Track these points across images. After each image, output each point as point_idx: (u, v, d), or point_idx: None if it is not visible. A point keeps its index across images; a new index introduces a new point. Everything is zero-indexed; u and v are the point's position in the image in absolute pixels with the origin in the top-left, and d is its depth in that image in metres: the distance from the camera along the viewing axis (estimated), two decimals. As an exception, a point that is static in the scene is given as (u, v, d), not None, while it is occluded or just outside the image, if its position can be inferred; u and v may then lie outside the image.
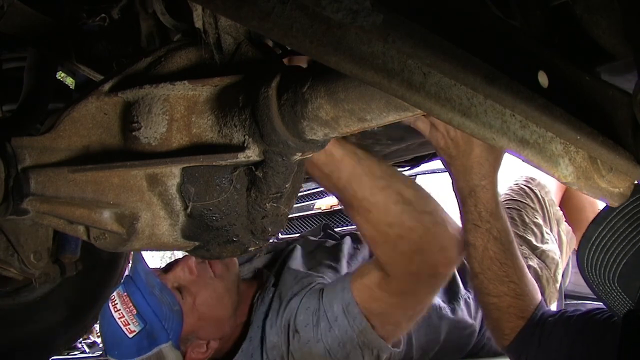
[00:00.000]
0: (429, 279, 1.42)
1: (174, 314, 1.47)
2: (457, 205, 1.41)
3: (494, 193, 1.35)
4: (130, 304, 1.46)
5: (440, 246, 1.37)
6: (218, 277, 1.58)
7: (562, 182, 0.71)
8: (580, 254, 1.03)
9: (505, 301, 1.37)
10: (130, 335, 1.44)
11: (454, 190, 1.41)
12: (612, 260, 1.00)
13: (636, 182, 0.78)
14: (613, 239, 0.99)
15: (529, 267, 2.01)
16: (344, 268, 1.76)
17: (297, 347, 1.51)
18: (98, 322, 1.57)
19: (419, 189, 1.38)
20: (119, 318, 1.46)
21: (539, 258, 2.03)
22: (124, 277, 1.57)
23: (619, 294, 1.03)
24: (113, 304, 1.48)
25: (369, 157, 1.32)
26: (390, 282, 1.40)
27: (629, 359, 0.95)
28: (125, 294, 1.48)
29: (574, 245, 2.28)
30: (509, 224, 1.38)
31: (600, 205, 2.45)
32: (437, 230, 1.36)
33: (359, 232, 1.71)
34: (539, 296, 1.41)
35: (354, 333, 1.46)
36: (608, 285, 1.02)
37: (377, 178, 1.30)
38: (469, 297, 1.88)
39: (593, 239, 1.00)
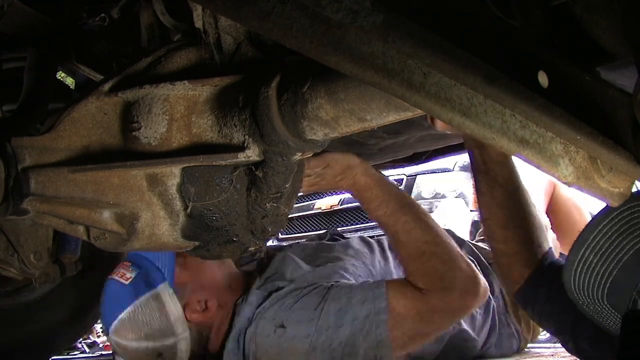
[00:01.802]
0: (460, 296, 1.49)
1: None
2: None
3: None
4: (125, 261, 1.56)
5: (467, 266, 1.51)
6: None
7: (562, 182, 0.71)
8: (565, 276, 1.04)
9: (511, 247, 1.39)
10: (127, 282, 1.51)
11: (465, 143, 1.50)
12: (598, 279, 1.00)
13: (633, 190, 0.78)
14: (597, 258, 0.99)
15: None
16: (351, 263, 1.76)
17: (277, 342, 1.50)
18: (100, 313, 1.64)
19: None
20: (116, 275, 1.54)
21: None
22: None
23: (610, 311, 1.03)
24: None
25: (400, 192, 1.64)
26: (425, 297, 1.48)
27: (629, 358, 0.95)
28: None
29: (558, 252, 2.29)
30: (517, 172, 1.41)
31: (587, 207, 2.44)
32: (461, 255, 1.53)
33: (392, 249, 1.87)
34: (546, 245, 1.42)
35: (367, 342, 1.47)
36: (598, 304, 1.03)
37: (415, 211, 1.56)
38: (476, 312, 1.88)
39: (577, 261, 1.01)
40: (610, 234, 0.98)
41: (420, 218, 1.54)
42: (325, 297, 1.52)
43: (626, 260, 0.98)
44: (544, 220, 2.20)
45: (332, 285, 1.57)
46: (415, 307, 1.49)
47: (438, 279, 1.48)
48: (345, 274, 1.69)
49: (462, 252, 1.54)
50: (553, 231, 2.22)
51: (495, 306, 1.92)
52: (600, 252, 0.98)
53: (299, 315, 1.51)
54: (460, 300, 1.49)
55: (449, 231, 2.20)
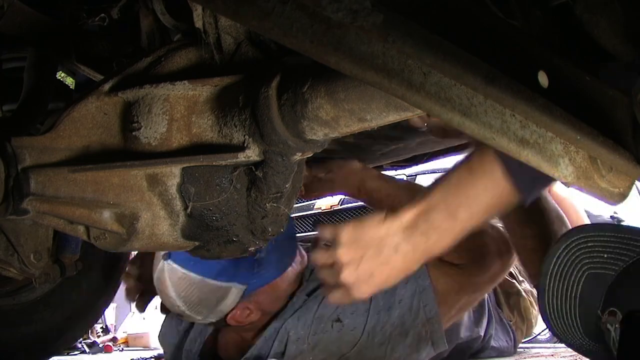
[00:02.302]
0: (496, 260, 1.51)
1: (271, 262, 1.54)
2: None
3: None
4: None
5: (493, 229, 1.51)
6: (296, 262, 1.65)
7: (562, 182, 0.71)
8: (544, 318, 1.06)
9: (529, 243, 1.41)
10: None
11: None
12: (570, 308, 1.03)
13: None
14: (563, 290, 1.03)
15: (526, 291, 2.06)
16: None
17: (337, 336, 1.53)
18: None
19: None
20: None
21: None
22: None
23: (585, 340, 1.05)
24: None
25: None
26: (463, 270, 1.50)
27: (629, 358, 0.95)
28: None
29: None
30: None
31: (582, 206, 2.45)
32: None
33: None
34: None
35: (417, 319, 1.50)
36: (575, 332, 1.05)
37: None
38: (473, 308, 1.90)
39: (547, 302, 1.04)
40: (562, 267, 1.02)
41: None
42: None
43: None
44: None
45: None
46: (456, 281, 1.51)
47: (470, 251, 1.49)
48: None
49: None
50: None
51: (488, 299, 1.95)
52: (563, 286, 1.02)
53: (351, 306, 1.53)
54: (497, 263, 1.51)
55: None
